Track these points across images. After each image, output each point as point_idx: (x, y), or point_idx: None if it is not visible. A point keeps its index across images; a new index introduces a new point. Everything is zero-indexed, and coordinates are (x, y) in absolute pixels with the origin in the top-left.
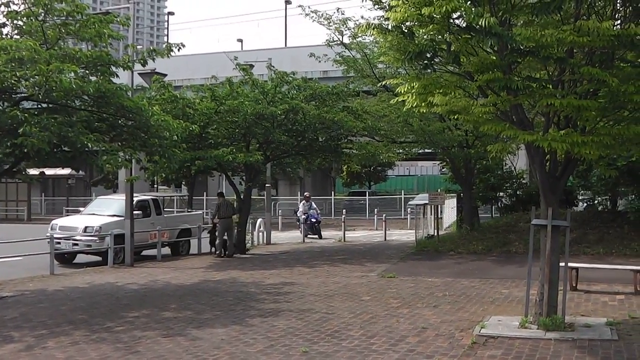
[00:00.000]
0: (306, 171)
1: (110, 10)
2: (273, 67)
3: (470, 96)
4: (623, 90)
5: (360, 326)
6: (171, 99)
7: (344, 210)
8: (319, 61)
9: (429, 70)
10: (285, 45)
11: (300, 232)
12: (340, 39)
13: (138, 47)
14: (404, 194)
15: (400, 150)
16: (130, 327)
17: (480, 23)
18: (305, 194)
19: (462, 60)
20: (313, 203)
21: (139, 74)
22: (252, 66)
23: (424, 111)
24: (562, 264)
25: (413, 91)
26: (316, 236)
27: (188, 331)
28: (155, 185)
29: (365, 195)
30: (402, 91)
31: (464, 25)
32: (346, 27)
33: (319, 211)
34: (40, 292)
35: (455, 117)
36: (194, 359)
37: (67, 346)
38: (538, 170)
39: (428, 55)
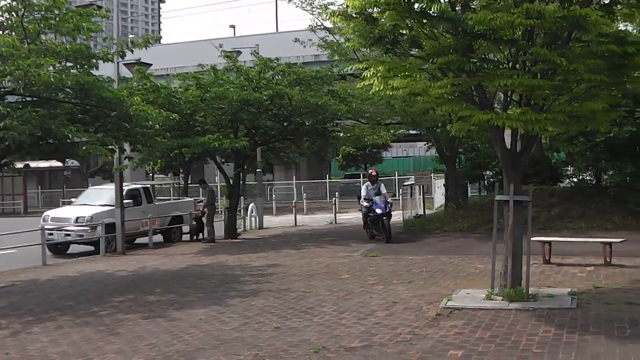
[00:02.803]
0: (300, 155)
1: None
2: (257, 53)
3: (434, 78)
4: (573, 69)
5: (333, 302)
6: (153, 88)
7: (336, 193)
8: (304, 46)
9: (390, 55)
10: (277, 30)
11: (364, 229)
12: (323, 24)
13: (130, 36)
14: (398, 175)
15: (385, 132)
16: (113, 311)
17: (433, 8)
18: (371, 172)
19: (423, 44)
20: (383, 186)
21: (124, 64)
22: (240, 52)
23: (389, 94)
24: (535, 239)
25: (378, 75)
26: (383, 237)
27: (169, 313)
28: (151, 174)
29: (360, 178)
30: (368, 75)
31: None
32: (327, 12)
33: (390, 198)
34: (31, 283)
35: (417, 98)
36: (171, 337)
37: (51, 331)
38: (499, 148)
39: (387, 40)
